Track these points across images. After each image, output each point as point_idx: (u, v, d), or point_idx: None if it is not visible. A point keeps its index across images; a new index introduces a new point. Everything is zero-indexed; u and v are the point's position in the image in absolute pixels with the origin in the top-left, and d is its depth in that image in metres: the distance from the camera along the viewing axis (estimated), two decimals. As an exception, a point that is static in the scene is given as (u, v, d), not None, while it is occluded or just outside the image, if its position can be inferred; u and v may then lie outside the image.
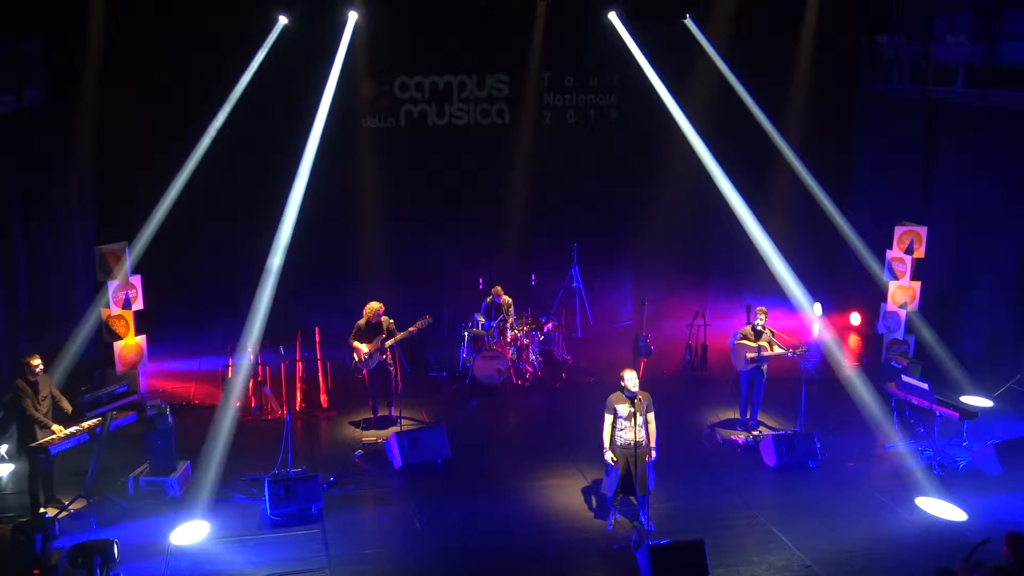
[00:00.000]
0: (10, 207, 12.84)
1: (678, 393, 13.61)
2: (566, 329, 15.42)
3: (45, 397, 10.15)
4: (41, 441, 9.82)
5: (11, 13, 12.58)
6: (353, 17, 14.56)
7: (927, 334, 14.37)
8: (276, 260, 14.14)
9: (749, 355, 12.03)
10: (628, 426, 9.56)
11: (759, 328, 12.08)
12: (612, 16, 15.25)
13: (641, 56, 15.42)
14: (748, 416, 12.36)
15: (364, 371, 12.39)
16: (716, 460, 11.62)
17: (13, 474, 10.91)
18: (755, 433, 12.12)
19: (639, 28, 15.43)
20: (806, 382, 11.83)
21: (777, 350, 12.00)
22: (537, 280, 15.66)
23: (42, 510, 9.79)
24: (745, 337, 12.15)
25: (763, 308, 12.29)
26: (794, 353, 11.97)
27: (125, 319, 13.06)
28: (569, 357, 14.95)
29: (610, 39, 15.47)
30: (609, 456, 9.66)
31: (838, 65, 16.09)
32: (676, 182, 16.04)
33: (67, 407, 10.28)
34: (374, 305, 12.38)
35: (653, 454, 9.70)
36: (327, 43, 14.63)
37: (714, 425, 12.55)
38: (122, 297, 13.02)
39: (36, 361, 10.11)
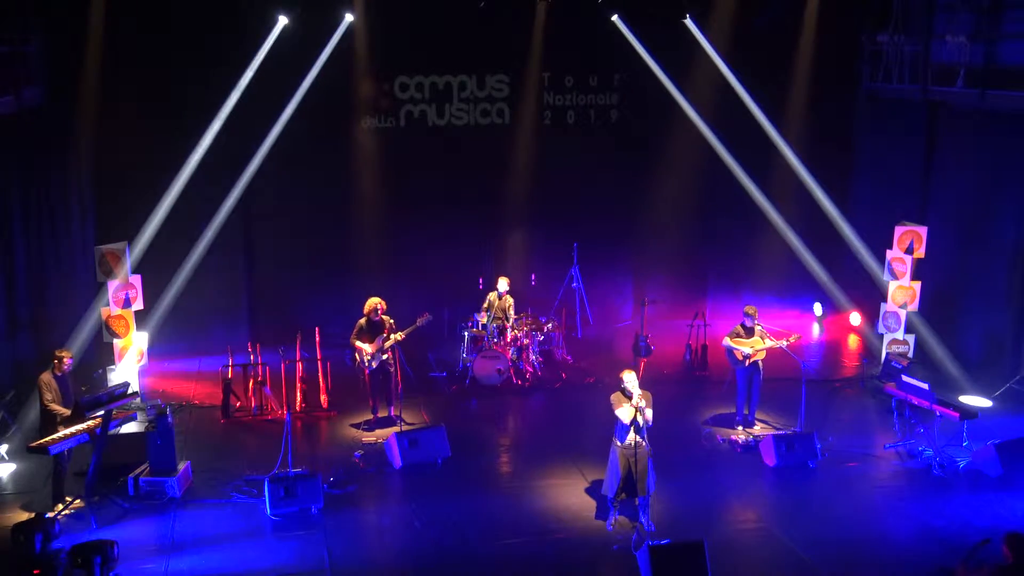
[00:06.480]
0: (10, 207, 12.85)
1: (678, 393, 13.59)
2: (566, 329, 15.41)
3: (69, 393, 10.14)
4: (40, 441, 9.82)
5: (11, 13, 12.58)
6: (348, 18, 14.54)
7: (927, 334, 14.37)
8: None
9: (744, 352, 12.09)
10: (629, 426, 9.56)
11: (750, 326, 12.15)
12: (615, 19, 15.26)
13: (646, 55, 15.44)
14: (746, 412, 12.38)
15: (365, 371, 12.39)
16: (716, 460, 11.61)
17: (13, 474, 10.93)
18: (754, 433, 12.12)
19: (639, 28, 15.43)
20: (806, 382, 11.83)
21: (769, 343, 12.06)
22: (537, 280, 15.66)
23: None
24: (737, 336, 12.21)
25: (752, 306, 12.35)
26: (787, 343, 12.04)
27: (125, 319, 13.06)
28: (569, 357, 14.93)
29: (610, 39, 15.47)
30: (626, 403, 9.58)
31: (838, 65, 16.08)
32: (676, 182, 16.05)
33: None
34: (374, 300, 12.35)
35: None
36: (327, 43, 14.61)
37: (714, 425, 12.54)
38: (122, 297, 13.01)
39: (67, 356, 10.12)
